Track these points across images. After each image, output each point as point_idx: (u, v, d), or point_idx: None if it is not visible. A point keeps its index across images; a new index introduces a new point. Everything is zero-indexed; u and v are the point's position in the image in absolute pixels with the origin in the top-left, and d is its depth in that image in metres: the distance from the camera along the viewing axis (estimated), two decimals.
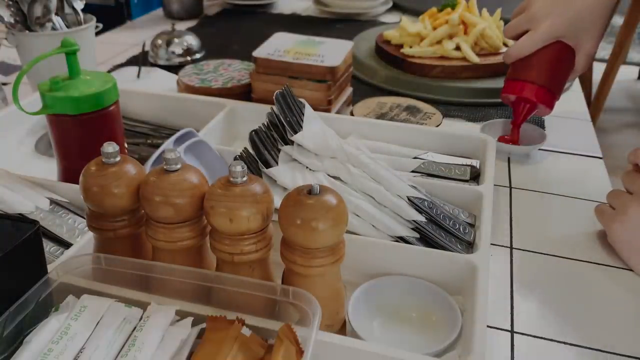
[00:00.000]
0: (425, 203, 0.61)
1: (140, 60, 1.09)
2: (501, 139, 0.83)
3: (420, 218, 0.59)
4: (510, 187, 0.76)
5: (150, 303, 0.43)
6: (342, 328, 0.49)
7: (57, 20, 0.87)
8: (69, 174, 0.64)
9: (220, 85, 0.90)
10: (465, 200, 0.65)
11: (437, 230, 0.59)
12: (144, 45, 1.12)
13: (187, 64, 1.12)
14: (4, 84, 1.02)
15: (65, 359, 0.39)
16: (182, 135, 0.66)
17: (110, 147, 0.45)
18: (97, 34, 0.92)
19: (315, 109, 0.68)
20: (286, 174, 0.61)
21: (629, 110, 2.73)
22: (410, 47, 1.06)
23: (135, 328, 0.42)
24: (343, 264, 0.46)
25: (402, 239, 0.58)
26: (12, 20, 0.85)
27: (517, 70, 0.81)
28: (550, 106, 0.80)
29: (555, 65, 0.78)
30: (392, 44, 1.11)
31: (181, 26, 1.32)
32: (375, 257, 0.56)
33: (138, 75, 1.05)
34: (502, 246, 0.65)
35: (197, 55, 1.16)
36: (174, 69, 1.09)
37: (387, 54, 1.08)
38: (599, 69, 2.20)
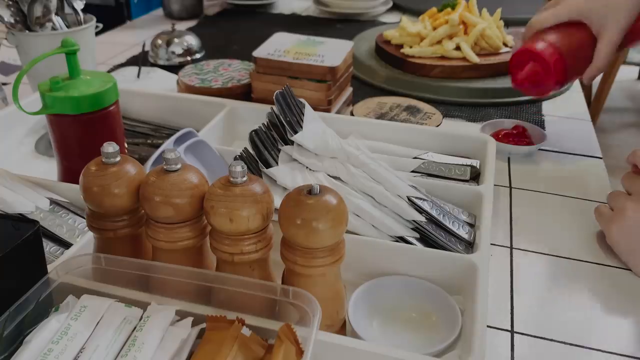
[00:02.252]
0: (425, 203, 0.61)
1: (140, 60, 1.09)
2: (495, 136, 0.82)
3: (420, 218, 0.59)
4: (510, 187, 0.76)
5: (150, 303, 0.43)
6: (342, 328, 0.49)
7: (57, 20, 0.87)
8: (69, 174, 0.64)
9: (220, 85, 0.90)
10: (465, 200, 0.65)
11: (437, 230, 0.59)
12: (144, 45, 1.12)
13: (187, 64, 1.12)
14: (4, 84, 1.02)
15: (65, 359, 0.39)
16: (182, 135, 0.66)
17: (110, 147, 0.45)
18: (97, 34, 0.92)
19: (315, 109, 0.68)
20: (286, 174, 0.61)
21: (629, 110, 2.73)
22: (410, 47, 1.06)
23: (135, 328, 0.41)
24: (343, 264, 0.46)
25: (402, 239, 0.58)
26: (12, 20, 0.85)
27: (537, 36, 0.77)
28: (557, 77, 0.75)
29: (575, 42, 0.75)
30: (392, 44, 1.11)
31: (181, 26, 1.33)
32: (375, 257, 0.56)
33: (138, 75, 1.05)
34: (502, 246, 0.65)
35: (197, 55, 1.16)
36: (174, 69, 1.09)
37: (387, 54, 1.08)
38: None
